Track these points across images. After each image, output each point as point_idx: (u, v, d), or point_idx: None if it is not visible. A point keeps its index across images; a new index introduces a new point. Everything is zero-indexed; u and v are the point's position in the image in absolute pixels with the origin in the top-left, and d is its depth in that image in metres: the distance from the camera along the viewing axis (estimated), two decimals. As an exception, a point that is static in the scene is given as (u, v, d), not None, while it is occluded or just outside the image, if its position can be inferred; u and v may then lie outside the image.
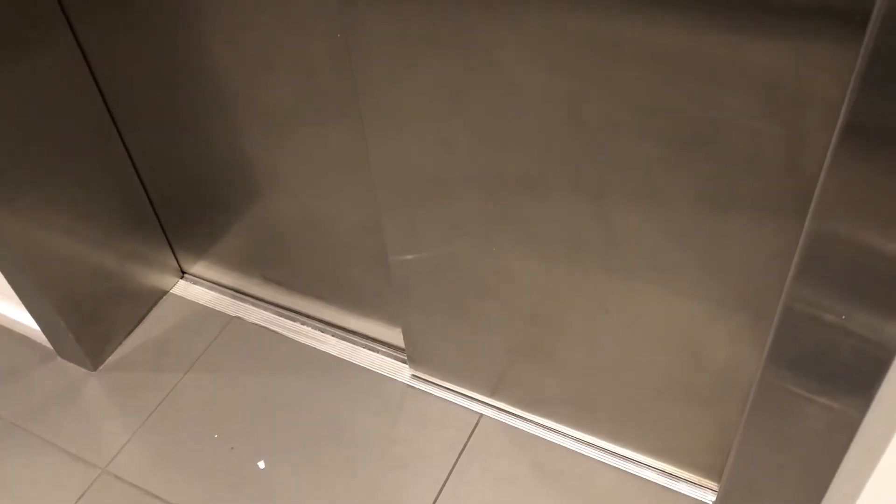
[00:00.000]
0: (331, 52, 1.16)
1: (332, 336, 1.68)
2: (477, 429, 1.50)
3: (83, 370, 1.68)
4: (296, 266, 1.61)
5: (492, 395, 1.50)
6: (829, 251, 0.77)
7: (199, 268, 1.80)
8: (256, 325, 1.72)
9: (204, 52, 1.29)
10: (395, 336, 1.60)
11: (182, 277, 1.83)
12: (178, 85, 1.38)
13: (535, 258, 1.17)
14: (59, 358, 1.71)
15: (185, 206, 1.66)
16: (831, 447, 0.93)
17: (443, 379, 1.55)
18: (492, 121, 1.02)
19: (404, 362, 1.60)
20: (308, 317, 1.70)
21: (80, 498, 1.47)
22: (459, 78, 1.00)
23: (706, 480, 1.36)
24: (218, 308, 1.76)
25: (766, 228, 0.93)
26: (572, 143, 0.98)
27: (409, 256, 1.31)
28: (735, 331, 1.08)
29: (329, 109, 1.24)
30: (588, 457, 1.43)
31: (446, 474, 1.43)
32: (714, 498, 1.35)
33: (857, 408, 0.87)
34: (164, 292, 1.80)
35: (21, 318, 1.69)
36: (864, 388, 0.84)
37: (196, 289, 1.81)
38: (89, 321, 1.63)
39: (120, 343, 1.72)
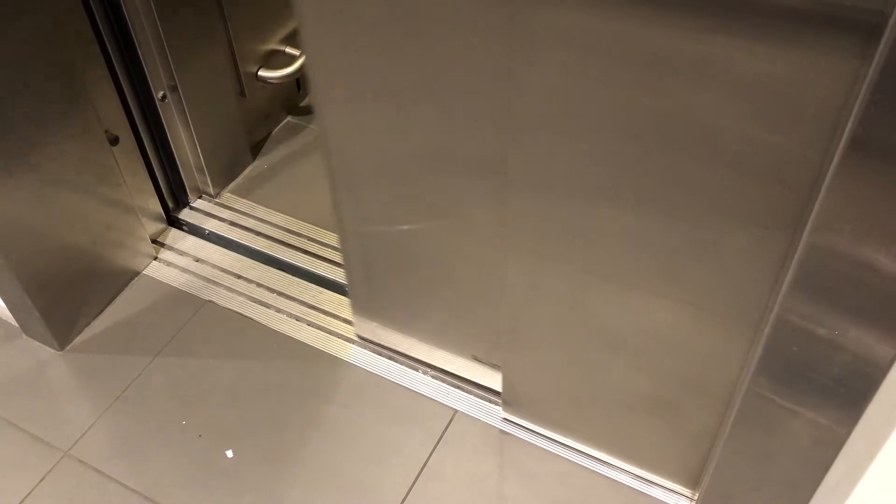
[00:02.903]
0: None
1: (307, 325, 1.65)
2: (452, 424, 1.48)
3: (50, 350, 1.64)
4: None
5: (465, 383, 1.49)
6: (827, 265, 0.75)
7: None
8: (229, 310, 1.69)
9: None
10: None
11: (156, 258, 1.79)
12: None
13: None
14: (24, 336, 1.66)
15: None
16: (815, 463, 0.92)
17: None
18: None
19: (380, 355, 1.58)
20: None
21: (40, 481, 1.43)
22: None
23: (680, 486, 1.35)
24: (191, 291, 1.73)
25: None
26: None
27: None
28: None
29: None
30: (561, 457, 1.42)
31: (418, 469, 1.42)
32: (687, 505, 1.34)
33: (844, 425, 0.86)
34: (136, 273, 1.76)
35: (-13, 293, 1.65)
36: (852, 405, 0.83)
37: (169, 271, 1.77)
38: (57, 300, 1.59)
39: (88, 323, 1.68)
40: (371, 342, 1.59)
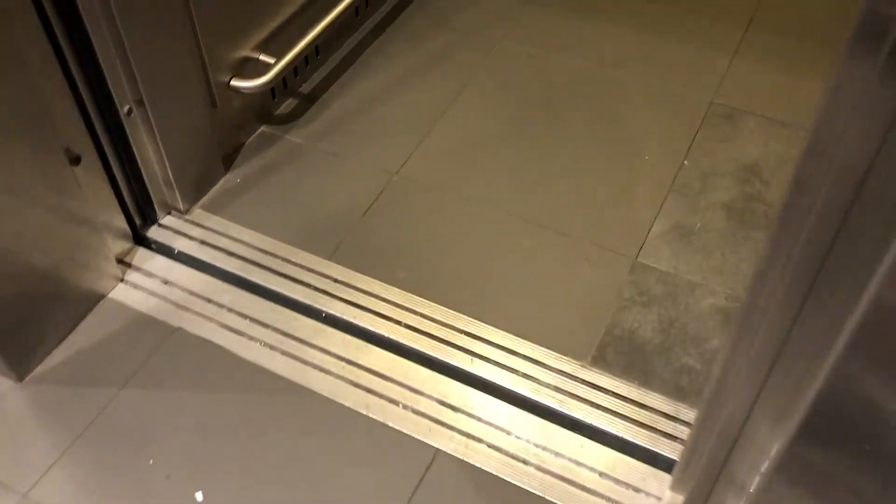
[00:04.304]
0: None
1: (281, 354, 1.55)
2: (434, 464, 1.39)
3: (7, 381, 1.52)
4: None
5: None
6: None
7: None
8: (200, 337, 1.58)
9: None
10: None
11: (122, 280, 1.68)
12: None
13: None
14: (-22, 366, 1.55)
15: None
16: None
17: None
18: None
19: (354, 385, 1.49)
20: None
21: (-5, 529, 1.33)
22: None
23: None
24: (159, 317, 1.62)
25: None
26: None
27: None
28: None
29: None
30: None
31: (403, 513, 1.33)
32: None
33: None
34: (101, 296, 1.65)
35: (-62, 320, 1.53)
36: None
37: (136, 294, 1.66)
38: (15, 326, 1.48)
39: (49, 352, 1.56)
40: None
